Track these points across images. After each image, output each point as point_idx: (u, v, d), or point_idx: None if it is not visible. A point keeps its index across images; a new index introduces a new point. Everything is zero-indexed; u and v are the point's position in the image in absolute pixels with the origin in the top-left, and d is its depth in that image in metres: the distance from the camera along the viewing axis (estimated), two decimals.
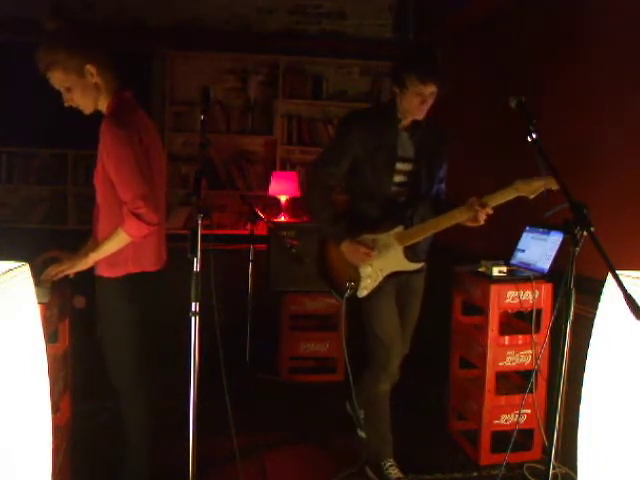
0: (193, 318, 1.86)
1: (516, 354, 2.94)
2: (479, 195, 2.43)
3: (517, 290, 2.88)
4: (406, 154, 2.61)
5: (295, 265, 3.82)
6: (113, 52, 2.25)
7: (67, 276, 2.23)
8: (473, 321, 3.19)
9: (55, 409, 2.19)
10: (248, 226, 4.32)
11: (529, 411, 2.95)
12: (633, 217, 2.54)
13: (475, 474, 2.90)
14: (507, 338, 2.94)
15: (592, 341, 1.55)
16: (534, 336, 2.87)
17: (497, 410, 2.95)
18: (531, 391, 2.81)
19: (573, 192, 1.65)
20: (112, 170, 2.14)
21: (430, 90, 2.45)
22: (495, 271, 2.90)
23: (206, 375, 2.02)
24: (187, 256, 1.83)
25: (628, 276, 1.46)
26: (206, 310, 1.93)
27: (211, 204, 5.02)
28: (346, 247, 2.60)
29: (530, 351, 2.93)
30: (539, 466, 2.90)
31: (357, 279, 2.64)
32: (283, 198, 4.78)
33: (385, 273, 2.64)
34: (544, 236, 3.00)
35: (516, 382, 3.09)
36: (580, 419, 1.57)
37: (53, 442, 1.41)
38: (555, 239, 2.92)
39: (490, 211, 2.41)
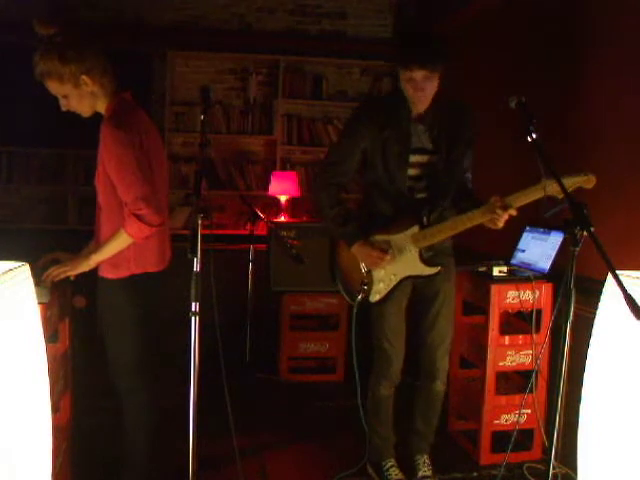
0: (193, 318, 1.86)
1: (516, 354, 2.94)
2: (500, 195, 2.21)
3: (517, 290, 2.88)
4: (422, 145, 2.44)
5: (295, 265, 3.81)
6: (112, 53, 2.24)
7: (68, 277, 2.23)
8: (473, 321, 3.19)
9: (55, 409, 2.19)
10: (248, 226, 4.32)
11: (529, 411, 2.95)
12: (633, 217, 2.54)
13: (475, 474, 2.90)
14: (507, 338, 2.94)
15: (592, 341, 1.55)
16: (534, 336, 2.87)
17: (497, 410, 2.95)
18: (531, 391, 2.80)
19: (573, 192, 1.65)
20: (113, 171, 2.13)
21: (420, 75, 2.26)
22: (495, 271, 2.90)
23: (206, 375, 2.02)
24: (187, 256, 1.83)
25: (628, 276, 1.46)
26: (206, 310, 1.93)
27: (211, 204, 5.02)
28: (358, 249, 2.46)
29: (530, 351, 2.93)
30: (539, 466, 2.90)
31: (369, 282, 2.51)
32: (283, 198, 4.78)
33: (399, 277, 2.50)
34: (544, 236, 3.00)
35: (516, 382, 3.09)
36: (580, 419, 1.57)
37: (53, 442, 1.41)
38: (555, 239, 2.92)
39: (514, 212, 2.19)
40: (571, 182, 2.02)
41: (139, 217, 2.09)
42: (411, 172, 2.46)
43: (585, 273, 2.11)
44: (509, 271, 2.96)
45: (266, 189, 4.90)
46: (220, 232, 4.88)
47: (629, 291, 1.34)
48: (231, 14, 5.11)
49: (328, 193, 2.50)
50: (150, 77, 4.98)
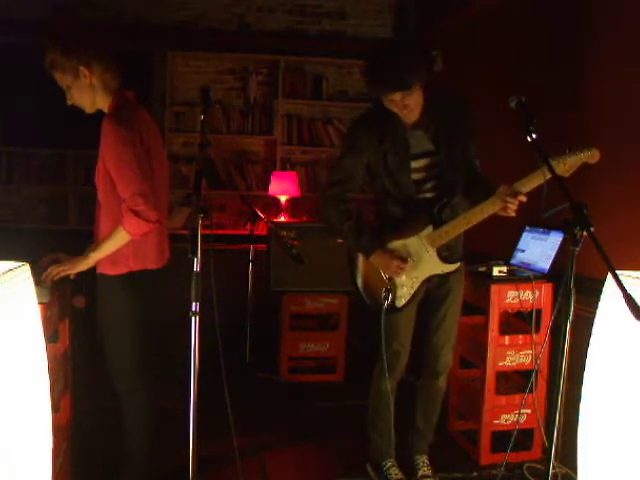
0: (193, 318, 1.86)
1: (516, 354, 2.94)
2: (509, 183, 2.23)
3: (517, 290, 2.88)
4: (423, 149, 2.44)
5: (295, 265, 3.81)
6: (113, 52, 2.27)
7: (67, 276, 2.23)
8: (473, 321, 3.19)
9: (55, 409, 2.19)
10: (248, 226, 4.32)
11: (529, 411, 2.95)
12: (633, 217, 2.54)
13: (475, 474, 2.90)
14: (507, 338, 2.94)
15: (592, 341, 1.55)
16: (534, 336, 2.87)
17: (497, 410, 2.95)
18: (531, 391, 2.80)
19: (573, 192, 1.65)
20: (112, 168, 2.15)
21: (398, 96, 2.24)
22: (495, 271, 2.90)
23: (206, 375, 2.02)
24: (187, 256, 1.83)
25: (628, 276, 1.46)
26: (206, 310, 1.93)
27: (211, 204, 5.02)
28: (376, 260, 2.45)
29: (530, 351, 2.93)
30: (539, 466, 2.89)
31: (392, 288, 2.50)
32: (283, 198, 4.79)
33: (421, 279, 2.50)
34: (544, 236, 3.00)
35: (516, 382, 3.09)
36: (580, 419, 1.57)
37: (53, 442, 1.41)
38: (555, 239, 2.92)
39: (523, 198, 2.19)
40: (575, 159, 2.08)
41: (136, 213, 2.09)
42: (416, 176, 2.47)
43: (585, 273, 2.11)
44: (509, 271, 2.96)
45: (266, 189, 4.90)
46: (220, 232, 4.89)
47: (629, 291, 1.35)
48: (231, 14, 5.11)
49: (337, 210, 2.49)
50: (150, 77, 4.98)
